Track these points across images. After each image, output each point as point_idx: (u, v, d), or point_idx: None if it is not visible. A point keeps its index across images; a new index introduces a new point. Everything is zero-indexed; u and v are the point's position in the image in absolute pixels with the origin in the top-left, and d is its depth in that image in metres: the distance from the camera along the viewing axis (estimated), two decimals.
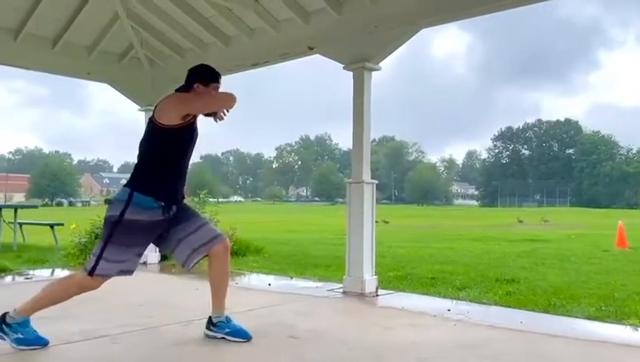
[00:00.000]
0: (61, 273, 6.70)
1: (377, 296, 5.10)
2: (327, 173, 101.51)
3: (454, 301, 4.88)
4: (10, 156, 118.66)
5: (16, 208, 10.38)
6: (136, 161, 3.36)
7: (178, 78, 3.53)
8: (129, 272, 3.25)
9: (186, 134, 3.32)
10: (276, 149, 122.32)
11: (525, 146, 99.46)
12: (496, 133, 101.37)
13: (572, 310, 4.45)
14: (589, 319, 4.20)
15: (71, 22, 6.31)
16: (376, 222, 5.41)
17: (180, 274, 6.20)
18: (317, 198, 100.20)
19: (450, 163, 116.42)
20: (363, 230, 5.15)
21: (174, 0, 5.96)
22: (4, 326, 3.18)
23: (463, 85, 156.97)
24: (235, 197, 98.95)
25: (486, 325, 3.98)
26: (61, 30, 6.43)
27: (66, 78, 8.31)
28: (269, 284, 5.83)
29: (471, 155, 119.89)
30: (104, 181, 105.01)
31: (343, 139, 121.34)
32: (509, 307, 4.64)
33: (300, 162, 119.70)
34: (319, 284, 5.78)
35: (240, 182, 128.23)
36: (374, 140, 76.98)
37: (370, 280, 5.15)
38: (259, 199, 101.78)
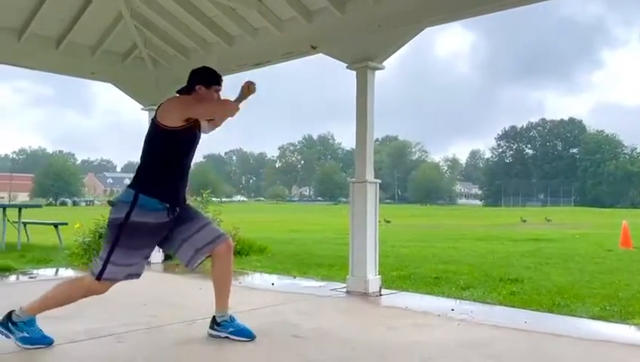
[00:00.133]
0: (65, 272, 6.73)
1: (381, 295, 5.09)
2: (330, 172, 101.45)
3: (458, 300, 4.88)
4: (14, 156, 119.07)
5: (20, 207, 10.41)
6: (139, 162, 3.36)
7: (181, 78, 3.53)
8: (136, 276, 3.25)
9: (189, 135, 3.33)
10: (279, 149, 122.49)
11: (529, 146, 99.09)
12: (500, 133, 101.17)
13: (576, 310, 4.44)
14: (593, 319, 4.19)
15: (75, 22, 6.33)
16: None
17: (184, 274, 6.21)
18: (320, 198, 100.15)
19: (453, 162, 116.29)
20: (366, 229, 5.14)
21: (177, 0, 5.98)
22: (10, 324, 3.19)
23: (467, 84, 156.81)
24: (238, 197, 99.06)
25: (490, 325, 3.97)
26: (65, 30, 6.45)
27: (71, 78, 8.35)
28: (273, 284, 5.83)
29: (474, 155, 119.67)
30: (108, 181, 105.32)
31: (345, 139, 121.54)
32: (513, 306, 4.64)
33: (302, 161, 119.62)
34: (322, 284, 5.79)
35: (243, 182, 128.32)
36: (377, 139, 76.67)
37: (373, 280, 5.15)
38: (262, 199, 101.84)
